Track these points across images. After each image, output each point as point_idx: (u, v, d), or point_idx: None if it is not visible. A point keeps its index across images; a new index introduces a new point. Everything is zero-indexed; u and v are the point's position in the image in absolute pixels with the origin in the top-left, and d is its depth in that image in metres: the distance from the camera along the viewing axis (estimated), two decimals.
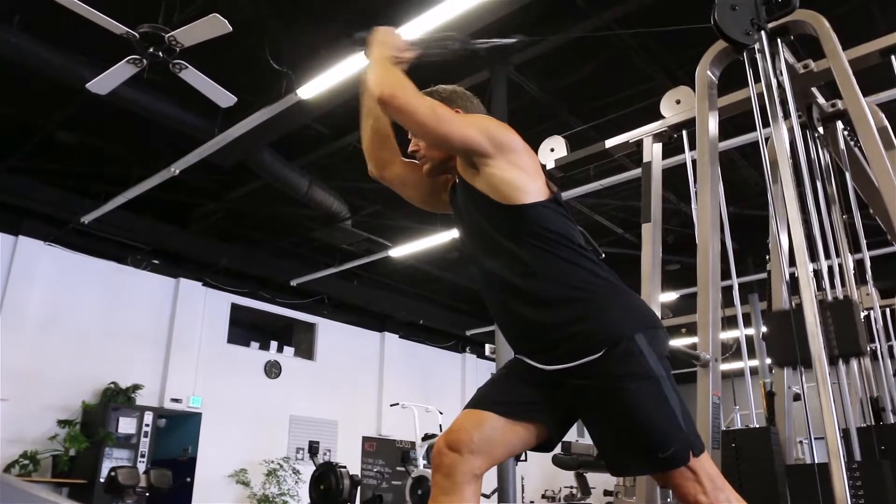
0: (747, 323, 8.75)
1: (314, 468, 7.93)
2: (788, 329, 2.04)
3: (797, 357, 2.04)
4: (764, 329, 2.89)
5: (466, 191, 1.69)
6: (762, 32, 2.22)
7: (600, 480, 8.65)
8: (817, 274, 2.42)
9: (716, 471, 1.52)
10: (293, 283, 10.55)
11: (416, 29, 4.71)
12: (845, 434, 2.30)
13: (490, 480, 6.57)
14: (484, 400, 1.61)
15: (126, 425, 8.47)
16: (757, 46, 2.27)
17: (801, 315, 2.00)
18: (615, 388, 1.47)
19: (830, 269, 2.66)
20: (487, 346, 12.36)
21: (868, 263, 3.15)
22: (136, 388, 8.87)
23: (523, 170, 1.62)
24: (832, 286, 2.59)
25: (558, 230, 1.59)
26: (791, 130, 2.37)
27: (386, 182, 1.94)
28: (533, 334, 1.59)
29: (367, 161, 1.92)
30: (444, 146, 1.69)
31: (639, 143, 3.34)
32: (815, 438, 2.06)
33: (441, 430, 5.45)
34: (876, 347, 3.16)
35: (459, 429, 1.56)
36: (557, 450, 4.66)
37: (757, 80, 2.36)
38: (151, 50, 4.60)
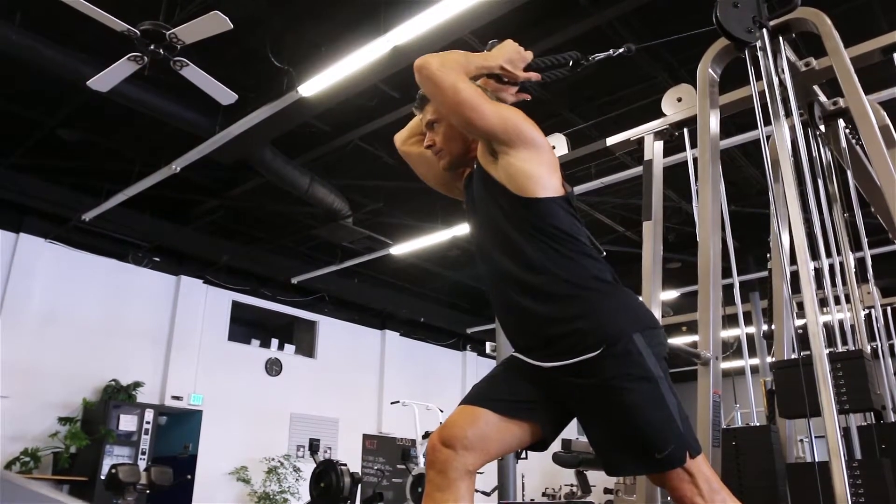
0: (748, 321, 8.73)
1: (315, 466, 7.93)
2: (797, 381, 2.03)
3: (806, 410, 2.02)
4: (765, 327, 2.89)
5: (482, 179, 1.68)
6: (764, 30, 2.21)
7: (600, 478, 8.64)
8: (818, 272, 2.41)
9: (712, 472, 1.52)
10: (294, 280, 10.55)
11: (416, 30, 4.71)
12: (846, 432, 2.30)
13: (490, 478, 6.59)
14: (479, 396, 1.61)
15: (127, 423, 8.48)
16: (759, 44, 2.26)
17: (809, 368, 1.98)
18: (612, 387, 1.47)
19: (831, 267, 2.65)
20: (488, 344, 12.37)
21: (869, 262, 3.14)
22: (136, 385, 8.88)
23: (542, 164, 1.62)
24: (833, 284, 2.59)
25: (566, 228, 1.59)
26: (792, 128, 2.37)
27: (405, 154, 1.97)
28: (531, 328, 1.59)
29: (404, 128, 1.97)
30: (467, 127, 1.67)
31: (640, 141, 3.33)
32: (815, 437, 2.05)
33: None
34: (877, 346, 3.16)
35: (454, 425, 1.56)
36: (558, 447, 4.67)
37: (758, 77, 2.36)
38: (152, 47, 4.60)
